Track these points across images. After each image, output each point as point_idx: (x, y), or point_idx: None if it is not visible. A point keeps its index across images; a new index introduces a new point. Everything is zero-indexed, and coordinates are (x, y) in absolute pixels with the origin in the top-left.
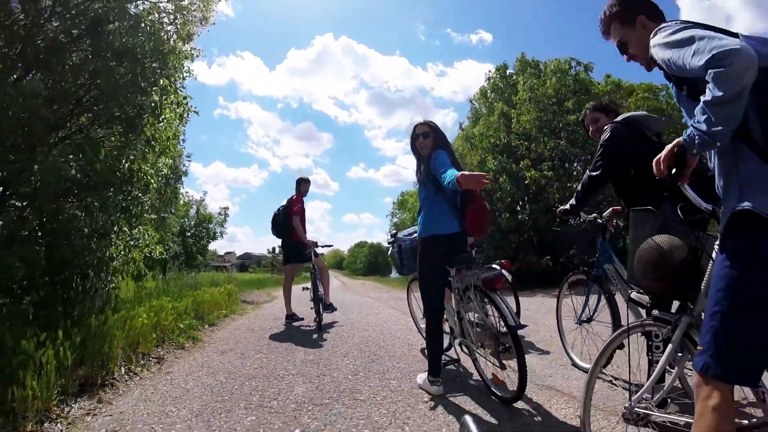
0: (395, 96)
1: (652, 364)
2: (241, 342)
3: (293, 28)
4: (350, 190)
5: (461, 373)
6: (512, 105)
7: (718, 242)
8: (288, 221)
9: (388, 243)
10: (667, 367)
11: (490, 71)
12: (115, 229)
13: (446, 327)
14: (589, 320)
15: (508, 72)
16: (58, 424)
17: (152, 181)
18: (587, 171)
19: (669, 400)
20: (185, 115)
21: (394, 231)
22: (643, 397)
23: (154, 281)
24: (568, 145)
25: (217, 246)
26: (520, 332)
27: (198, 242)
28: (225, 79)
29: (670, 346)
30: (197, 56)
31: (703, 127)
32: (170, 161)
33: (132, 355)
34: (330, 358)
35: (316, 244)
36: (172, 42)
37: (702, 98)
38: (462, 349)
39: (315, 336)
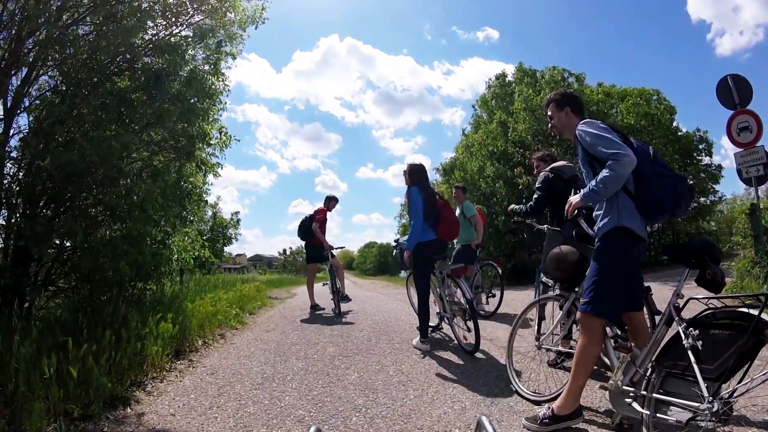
0: (402, 95)
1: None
2: (280, 325)
3: (298, 30)
4: (359, 191)
5: (443, 338)
6: (510, 113)
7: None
8: (309, 232)
9: (393, 246)
10: (562, 323)
11: (490, 79)
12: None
13: (436, 307)
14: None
15: (507, 80)
16: (172, 372)
17: (203, 196)
18: (533, 196)
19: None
20: (228, 143)
21: (398, 237)
22: (548, 336)
23: (172, 285)
24: (560, 152)
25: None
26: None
27: (213, 246)
28: (232, 82)
29: (564, 308)
30: (225, 91)
31: (602, 191)
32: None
33: (202, 332)
34: (350, 333)
35: (331, 248)
36: (209, 83)
37: (602, 174)
38: (444, 321)
39: (337, 320)
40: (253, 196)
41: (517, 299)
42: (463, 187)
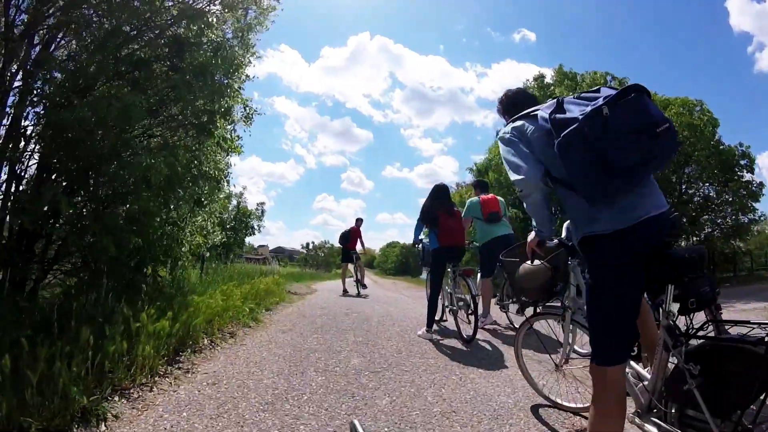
0: (434, 95)
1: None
2: (298, 325)
3: (327, 25)
4: (384, 190)
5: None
6: None
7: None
8: (349, 239)
9: (414, 244)
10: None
11: (528, 80)
12: (185, 218)
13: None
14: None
15: (545, 82)
16: (166, 378)
17: (221, 177)
18: None
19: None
20: (251, 116)
21: (421, 237)
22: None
23: (194, 270)
24: None
25: (252, 239)
26: None
27: (236, 235)
28: (264, 73)
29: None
30: (252, 61)
31: (538, 223)
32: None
33: (210, 329)
34: (377, 340)
35: (356, 252)
36: (237, 55)
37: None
38: (449, 314)
39: (364, 325)
40: (279, 188)
41: None
42: (477, 181)
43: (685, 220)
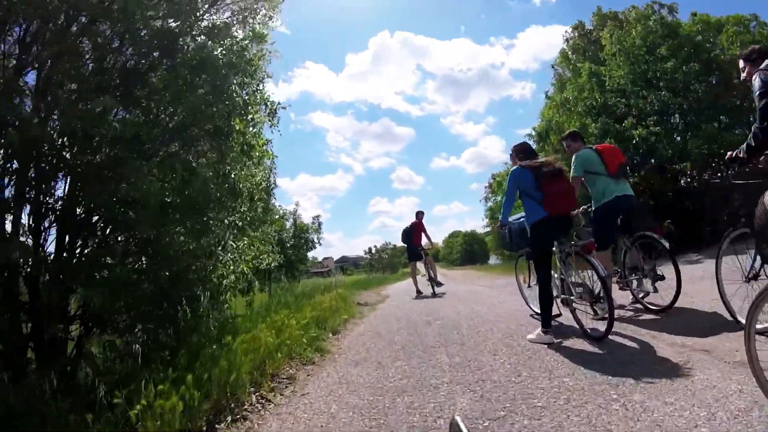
0: (466, 77)
1: None
2: (373, 349)
3: (347, 33)
4: (435, 182)
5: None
6: (600, 62)
7: None
8: (412, 234)
9: (502, 226)
10: None
11: (567, 31)
12: (222, 245)
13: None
14: (756, 276)
15: (586, 29)
16: None
17: (255, 193)
18: (754, 124)
19: None
20: (276, 112)
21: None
22: None
23: (262, 293)
24: (670, 95)
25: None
26: None
27: (297, 252)
28: (295, 93)
29: None
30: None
31: None
32: (267, 173)
33: (260, 378)
34: (480, 359)
35: (422, 248)
36: (247, 48)
37: None
38: (562, 306)
39: (455, 336)
40: (332, 200)
41: (693, 283)
42: (572, 132)
43: None
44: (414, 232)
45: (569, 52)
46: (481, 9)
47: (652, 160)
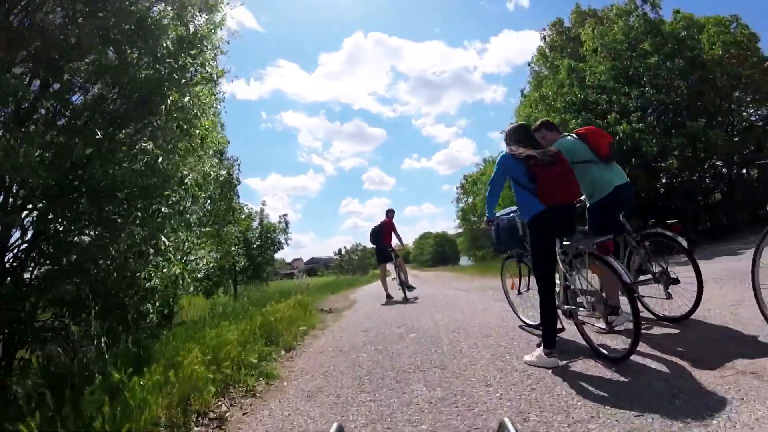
0: (439, 80)
1: None
2: (332, 374)
3: (321, 32)
4: (407, 183)
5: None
6: (579, 59)
7: None
8: (382, 234)
9: (489, 222)
10: None
11: (545, 29)
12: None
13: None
14: None
15: (564, 26)
16: None
17: (194, 185)
18: None
19: None
20: (214, 78)
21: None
22: None
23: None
24: (654, 92)
25: (284, 254)
26: None
27: (263, 253)
28: (268, 92)
29: None
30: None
31: None
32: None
33: (182, 417)
34: (466, 390)
35: (393, 248)
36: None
37: None
38: (565, 319)
39: (433, 355)
40: (303, 200)
41: (713, 289)
42: (544, 122)
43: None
44: (383, 231)
45: (547, 50)
46: (455, 11)
47: (633, 159)
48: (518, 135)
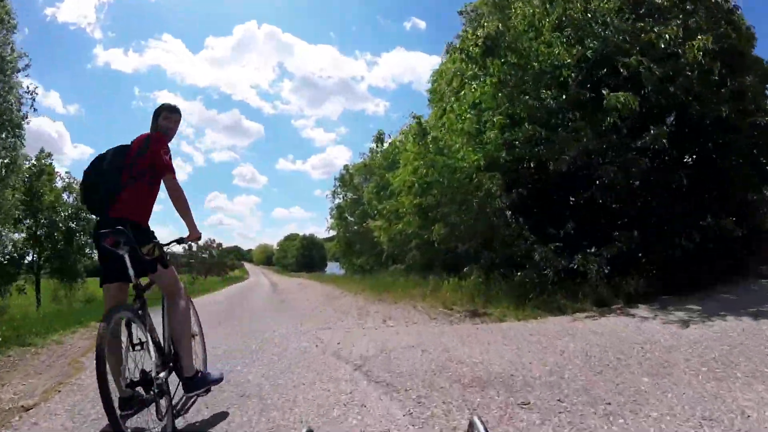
0: (325, 84)
1: None
2: None
3: (214, 14)
4: (279, 184)
5: None
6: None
7: None
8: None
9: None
10: None
11: (462, 13)
12: None
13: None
14: None
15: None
16: None
17: None
18: None
19: None
20: None
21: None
22: None
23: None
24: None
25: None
26: None
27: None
28: (145, 66)
29: None
30: None
31: None
32: None
33: None
34: None
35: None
36: None
37: None
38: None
39: None
40: (164, 190)
41: None
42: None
43: None
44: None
45: (470, 38)
46: (353, 20)
47: None
48: None
